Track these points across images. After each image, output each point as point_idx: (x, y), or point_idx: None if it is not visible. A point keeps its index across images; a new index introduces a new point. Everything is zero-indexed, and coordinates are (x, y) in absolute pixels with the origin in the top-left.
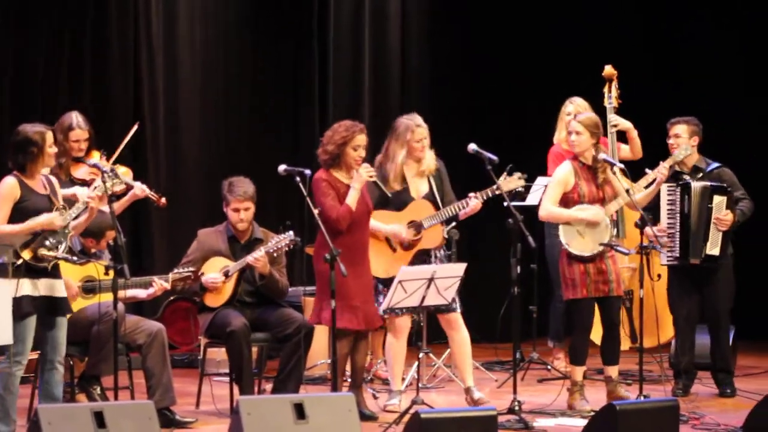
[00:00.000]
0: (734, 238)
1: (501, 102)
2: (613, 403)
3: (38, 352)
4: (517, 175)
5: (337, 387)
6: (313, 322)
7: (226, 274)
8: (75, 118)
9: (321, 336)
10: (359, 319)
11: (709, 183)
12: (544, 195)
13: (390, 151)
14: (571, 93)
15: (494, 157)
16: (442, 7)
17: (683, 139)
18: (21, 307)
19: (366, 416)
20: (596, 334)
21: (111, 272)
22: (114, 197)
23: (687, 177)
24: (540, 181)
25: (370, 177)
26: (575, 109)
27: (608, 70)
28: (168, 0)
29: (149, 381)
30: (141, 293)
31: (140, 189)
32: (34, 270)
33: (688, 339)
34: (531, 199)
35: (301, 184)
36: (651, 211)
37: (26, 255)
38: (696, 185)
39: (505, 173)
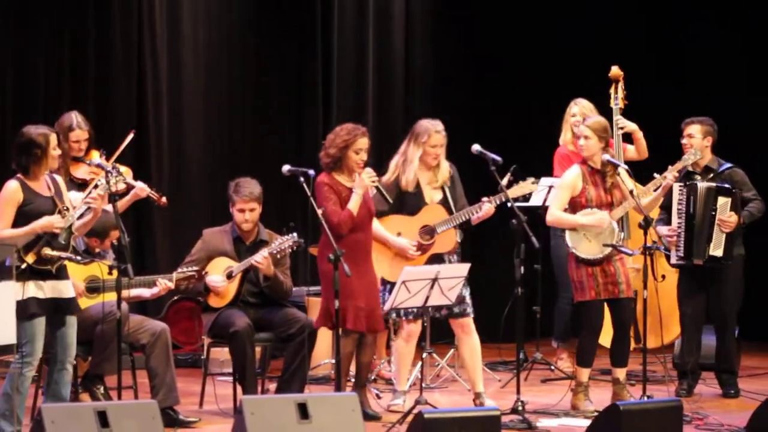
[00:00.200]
0: (745, 240)
1: (505, 102)
2: (616, 403)
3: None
4: (531, 180)
5: (340, 387)
6: (320, 325)
7: (230, 276)
8: (75, 118)
9: (325, 336)
10: (362, 321)
11: (714, 184)
12: (551, 199)
13: (408, 153)
14: (575, 93)
15: (498, 158)
16: (446, 8)
17: (697, 140)
18: (28, 308)
19: (369, 416)
20: (604, 337)
21: (115, 272)
22: (116, 196)
23: (698, 177)
24: (544, 181)
25: (373, 182)
26: (580, 110)
27: (614, 71)
28: (171, 2)
29: (153, 380)
30: (145, 293)
31: (141, 188)
32: (39, 272)
33: (694, 339)
34: (535, 200)
35: (304, 185)
36: (665, 210)
37: (30, 259)
38: (701, 186)
39: (509, 174)
